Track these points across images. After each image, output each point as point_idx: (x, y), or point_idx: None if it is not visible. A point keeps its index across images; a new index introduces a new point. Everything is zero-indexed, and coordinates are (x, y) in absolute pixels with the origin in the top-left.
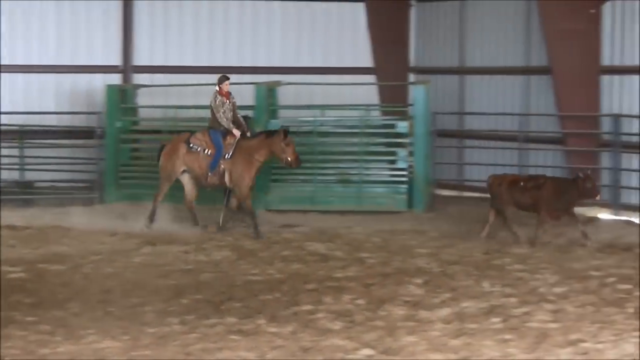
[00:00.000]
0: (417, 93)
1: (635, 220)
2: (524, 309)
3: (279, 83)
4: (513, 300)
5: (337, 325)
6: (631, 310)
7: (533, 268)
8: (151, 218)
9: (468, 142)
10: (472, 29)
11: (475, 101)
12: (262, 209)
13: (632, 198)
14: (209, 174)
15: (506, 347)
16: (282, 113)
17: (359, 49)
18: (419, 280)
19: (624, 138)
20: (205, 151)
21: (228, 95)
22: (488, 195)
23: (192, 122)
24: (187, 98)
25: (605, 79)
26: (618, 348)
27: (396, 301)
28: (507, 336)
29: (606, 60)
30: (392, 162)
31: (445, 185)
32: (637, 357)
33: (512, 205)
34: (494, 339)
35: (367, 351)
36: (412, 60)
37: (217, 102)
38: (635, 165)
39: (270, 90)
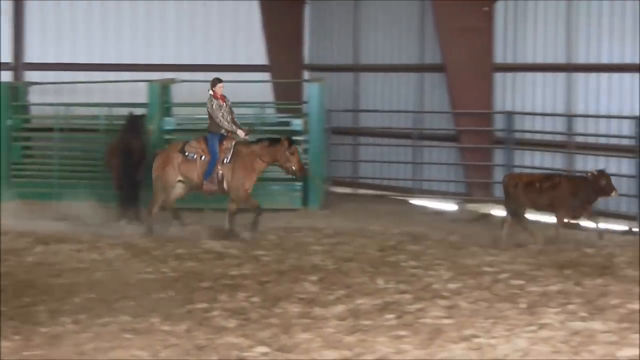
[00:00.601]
0: (311, 90)
1: (528, 216)
2: (418, 305)
3: (173, 81)
4: (407, 296)
5: (231, 323)
6: (524, 305)
7: (427, 264)
8: (150, 229)
9: (362, 139)
10: (366, 27)
11: (369, 99)
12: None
13: None
14: (205, 181)
15: (400, 343)
16: (176, 111)
17: (253, 47)
18: (314, 278)
19: (517, 135)
20: (202, 158)
21: (223, 98)
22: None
23: (84, 120)
24: (79, 95)
25: (498, 76)
26: (511, 343)
27: (291, 298)
28: (401, 332)
29: (499, 58)
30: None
31: (340, 183)
32: (529, 352)
33: (528, 205)
34: (388, 335)
35: (262, 349)
36: (307, 58)
37: (214, 107)
38: (528, 162)
39: (164, 88)
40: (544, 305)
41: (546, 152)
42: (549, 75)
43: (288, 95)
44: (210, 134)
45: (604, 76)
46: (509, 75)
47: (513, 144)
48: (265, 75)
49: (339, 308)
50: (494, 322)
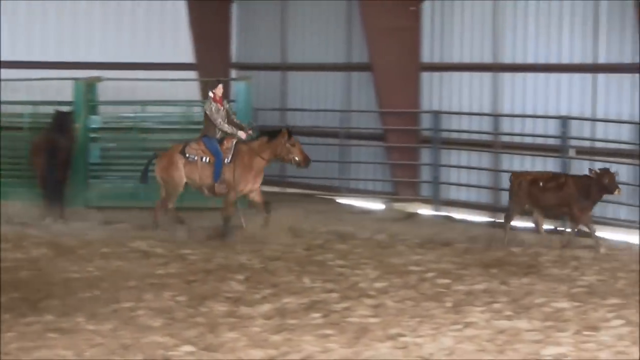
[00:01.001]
0: (238, 89)
1: (455, 215)
2: (345, 304)
3: (98, 79)
4: (334, 295)
5: (157, 322)
6: (449, 304)
7: (354, 263)
8: (155, 224)
9: None
10: (293, 25)
11: (297, 97)
12: (82, 205)
13: (451, 194)
14: (216, 184)
15: (326, 342)
16: (102, 109)
17: (180, 46)
18: (240, 277)
19: (444, 134)
20: (203, 159)
21: (222, 100)
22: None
23: (9, 119)
24: (3, 93)
25: (425, 76)
26: (436, 342)
27: (217, 297)
28: (328, 331)
29: (426, 57)
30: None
31: (267, 182)
32: (455, 351)
33: (531, 204)
34: (314, 334)
35: (187, 348)
36: (234, 56)
37: (213, 110)
38: (454, 162)
39: (89, 86)
40: (470, 304)
41: (473, 151)
42: (476, 75)
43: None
44: (209, 138)
45: (530, 76)
46: (436, 74)
47: (439, 144)
48: (192, 74)
49: (265, 307)
50: (420, 321)
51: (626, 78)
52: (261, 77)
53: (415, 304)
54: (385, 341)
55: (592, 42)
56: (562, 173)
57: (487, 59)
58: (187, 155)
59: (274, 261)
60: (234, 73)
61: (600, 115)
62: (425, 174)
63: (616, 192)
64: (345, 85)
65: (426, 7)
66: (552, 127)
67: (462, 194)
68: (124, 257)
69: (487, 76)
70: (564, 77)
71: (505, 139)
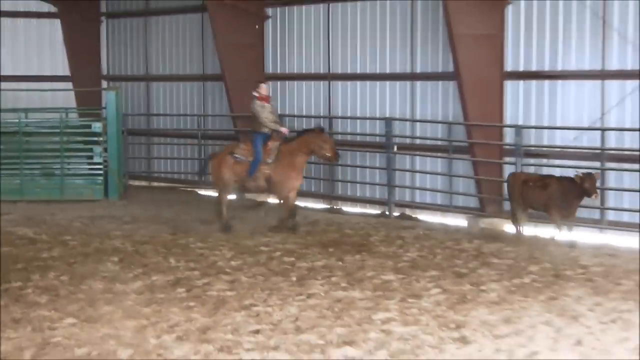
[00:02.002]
0: (109, 98)
1: (300, 203)
2: (205, 280)
3: None
4: (196, 273)
5: (43, 298)
6: (294, 278)
7: (213, 245)
8: (226, 227)
9: (155, 139)
10: (155, 42)
11: (160, 104)
12: None
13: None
14: (248, 178)
15: (190, 313)
16: None
17: (57, 60)
18: (115, 259)
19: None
20: (248, 159)
21: (267, 98)
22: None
23: None
24: None
25: (270, 84)
26: (284, 310)
27: (96, 277)
28: (191, 303)
29: (270, 68)
30: (90, 157)
31: (136, 177)
32: (299, 317)
33: (524, 203)
34: (180, 306)
35: (70, 320)
36: (104, 69)
37: (257, 107)
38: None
39: None
40: (312, 278)
41: None
42: (312, 83)
43: (89, 102)
44: (255, 133)
45: (358, 84)
46: (279, 83)
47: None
48: (68, 85)
49: (137, 284)
50: (269, 293)
51: (439, 85)
52: (128, 87)
53: (265, 278)
54: (240, 311)
55: (410, 55)
56: (550, 175)
57: (323, 69)
58: (236, 155)
59: (144, 245)
60: (104, 84)
61: (418, 116)
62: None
63: (593, 197)
64: (200, 93)
65: (268, 25)
66: (378, 127)
67: (305, 184)
68: (12, 243)
69: (322, 84)
70: (388, 84)
71: (337, 137)
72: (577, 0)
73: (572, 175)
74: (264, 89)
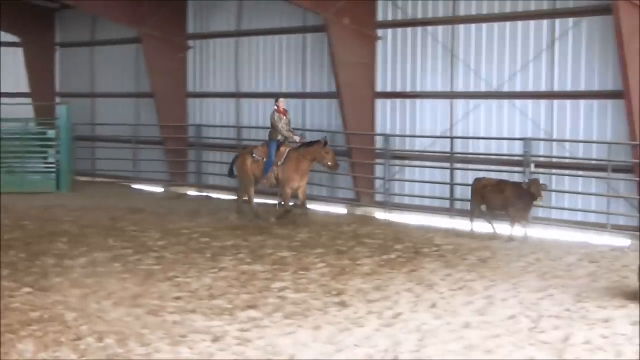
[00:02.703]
0: (61, 111)
1: (212, 195)
2: (137, 257)
3: None
4: (129, 251)
5: (5, 272)
6: (209, 255)
7: (143, 228)
8: (256, 215)
9: (98, 144)
10: (100, 65)
11: (103, 116)
12: None
13: (210, 180)
14: (263, 176)
15: (124, 283)
16: None
17: (19, 79)
18: (64, 239)
19: (205, 140)
20: (264, 159)
21: (284, 112)
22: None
23: None
24: None
25: (190, 100)
26: (200, 281)
27: (48, 254)
28: (125, 275)
29: (191, 87)
30: (45, 158)
31: (83, 174)
32: (213, 286)
33: (484, 204)
34: (116, 277)
35: (26, 289)
36: (58, 87)
37: (275, 118)
38: (211, 159)
39: None
40: (222, 255)
41: (223, 152)
42: (224, 100)
43: (45, 114)
44: (270, 140)
45: (260, 101)
46: (197, 100)
47: (202, 146)
48: (28, 100)
49: (82, 260)
50: (188, 267)
51: (324, 102)
52: (78, 102)
53: (185, 255)
54: (165, 281)
55: (302, 77)
56: (506, 181)
57: (232, 88)
58: (254, 155)
59: (88, 228)
60: (57, 99)
61: (308, 126)
62: (191, 167)
63: (538, 199)
64: (135, 107)
65: (191, 53)
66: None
67: (217, 180)
68: None
69: (231, 101)
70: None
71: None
72: (431, 36)
73: (520, 182)
74: (282, 103)
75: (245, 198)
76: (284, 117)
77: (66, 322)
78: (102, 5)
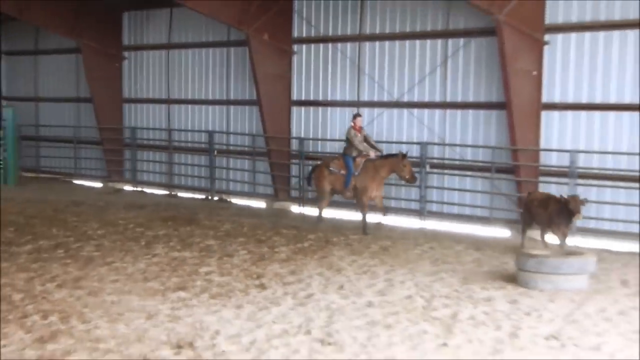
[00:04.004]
0: (7, 113)
1: (146, 190)
2: (78, 244)
3: None
4: (71, 239)
5: None
6: (143, 243)
7: (84, 219)
8: (320, 219)
9: (42, 143)
10: (44, 73)
11: (46, 118)
12: None
13: (144, 177)
14: (346, 189)
15: (67, 268)
16: None
17: None
18: (11, 229)
19: (140, 141)
20: (340, 172)
21: (360, 128)
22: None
23: None
24: None
25: (127, 106)
26: (135, 265)
27: None
28: (68, 261)
29: (127, 94)
30: None
31: (28, 170)
32: (147, 270)
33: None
34: (59, 262)
35: None
36: (4, 91)
37: (352, 134)
38: (145, 158)
39: None
40: (156, 243)
41: (156, 152)
42: (156, 105)
43: None
44: (346, 155)
45: (190, 107)
46: (132, 105)
47: (136, 147)
48: None
49: (28, 247)
50: (125, 253)
51: (246, 109)
52: (22, 105)
53: (122, 243)
54: (104, 266)
55: (226, 84)
56: (552, 195)
57: (164, 95)
58: (331, 168)
59: (33, 218)
60: (4, 102)
61: (232, 129)
62: (127, 165)
63: (577, 216)
64: (76, 112)
65: (126, 64)
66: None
67: (151, 177)
68: None
69: (163, 107)
70: (210, 108)
71: (178, 144)
72: (340, 51)
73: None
74: (359, 120)
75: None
76: (359, 135)
77: (14, 302)
78: (45, 18)
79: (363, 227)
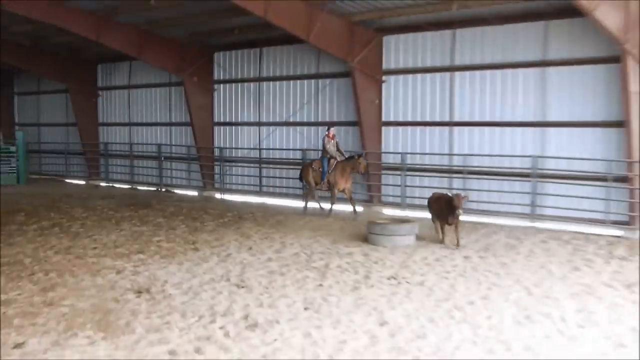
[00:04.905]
0: (18, 135)
1: (116, 185)
2: (69, 223)
3: None
4: (64, 220)
5: None
6: (114, 221)
7: (72, 206)
8: (330, 210)
9: (43, 155)
10: (43, 106)
11: (46, 137)
12: None
13: (113, 176)
14: (322, 182)
15: (61, 240)
16: None
17: None
18: (22, 214)
19: (111, 152)
20: (319, 169)
21: (333, 137)
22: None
23: None
24: None
25: (101, 128)
26: (109, 237)
27: (11, 223)
28: (61, 235)
29: (100, 119)
30: (9, 163)
31: (33, 173)
32: (117, 240)
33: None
34: (56, 236)
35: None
36: (17, 119)
37: (325, 142)
38: (117, 162)
39: None
40: (122, 221)
41: (121, 159)
42: (122, 127)
43: (9, 137)
44: (322, 157)
45: (145, 128)
46: (105, 127)
47: (109, 156)
48: None
49: (34, 226)
50: (101, 229)
51: (182, 128)
52: (29, 129)
53: (99, 222)
54: (87, 238)
55: (168, 112)
56: (446, 194)
57: (126, 119)
58: (313, 167)
59: (38, 207)
60: (16, 127)
61: (174, 142)
62: (103, 169)
63: (460, 212)
64: (66, 132)
65: (100, 99)
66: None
67: (120, 176)
68: None
69: (126, 128)
70: (158, 128)
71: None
72: (246, 88)
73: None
74: (332, 130)
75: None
76: (332, 141)
77: (25, 264)
78: (43, 69)
79: (329, 210)
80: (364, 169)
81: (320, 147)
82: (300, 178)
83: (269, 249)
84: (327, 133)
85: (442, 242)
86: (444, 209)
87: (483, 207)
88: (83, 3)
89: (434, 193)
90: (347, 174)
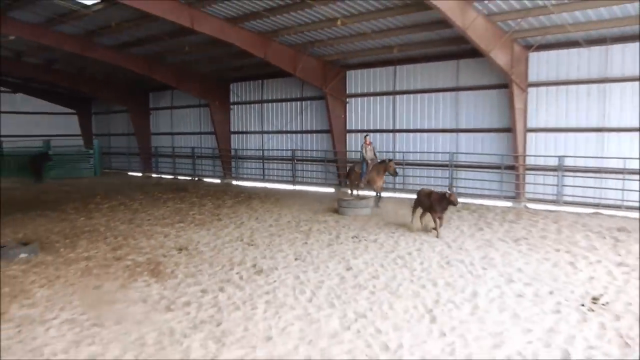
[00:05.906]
0: (95, 142)
1: (163, 176)
2: (130, 203)
3: None
4: (127, 200)
5: (72, 211)
6: (162, 201)
7: (133, 191)
8: (377, 204)
9: (113, 156)
10: (113, 123)
11: (111, 144)
12: None
13: (161, 169)
14: (362, 179)
15: (125, 215)
16: None
17: (72, 127)
18: (98, 197)
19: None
20: (359, 171)
21: (370, 143)
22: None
23: None
24: None
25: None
26: (159, 212)
27: (91, 203)
28: (125, 211)
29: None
30: (89, 161)
31: (106, 168)
32: (164, 214)
33: (423, 206)
34: (121, 213)
35: (82, 218)
36: (94, 130)
37: (363, 150)
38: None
39: None
40: (168, 201)
41: (179, 158)
42: (165, 137)
43: (88, 143)
44: (363, 161)
45: (191, 136)
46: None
47: (159, 155)
48: (79, 138)
49: (106, 205)
50: (153, 206)
51: (210, 136)
52: (104, 138)
53: (152, 202)
54: (143, 213)
55: (198, 125)
56: (432, 190)
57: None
58: (355, 169)
59: (109, 191)
60: (94, 137)
61: (204, 145)
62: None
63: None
64: (127, 140)
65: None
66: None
67: (164, 169)
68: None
69: (169, 137)
70: (194, 136)
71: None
72: (253, 110)
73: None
74: (369, 138)
75: (356, 192)
76: (369, 146)
77: (100, 231)
78: (110, 97)
79: (376, 202)
80: (393, 170)
81: (359, 153)
82: (347, 177)
83: (270, 219)
84: (364, 140)
85: (417, 226)
86: (436, 203)
87: (417, 187)
88: (137, 49)
89: (422, 188)
90: (381, 174)
